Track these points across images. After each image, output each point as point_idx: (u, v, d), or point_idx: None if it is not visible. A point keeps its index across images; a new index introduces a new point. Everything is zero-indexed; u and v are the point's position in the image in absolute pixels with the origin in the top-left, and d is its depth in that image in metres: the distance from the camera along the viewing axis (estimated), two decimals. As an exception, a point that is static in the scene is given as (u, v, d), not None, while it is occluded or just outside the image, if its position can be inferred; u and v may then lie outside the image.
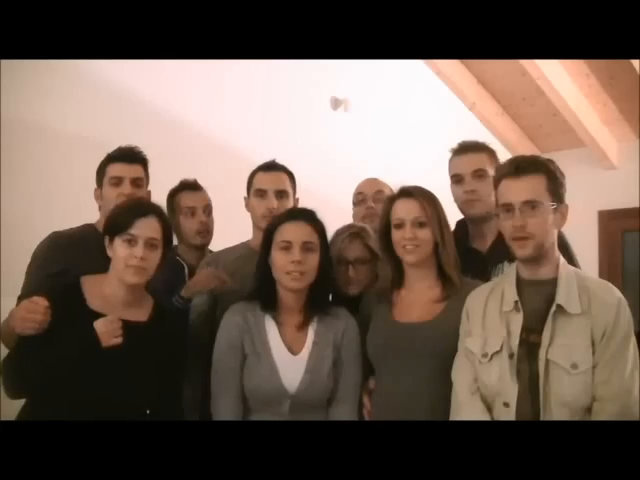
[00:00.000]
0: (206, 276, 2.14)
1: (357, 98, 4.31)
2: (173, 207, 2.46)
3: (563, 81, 3.95)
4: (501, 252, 2.17)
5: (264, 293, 1.95)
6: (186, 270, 2.36)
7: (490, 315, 1.75)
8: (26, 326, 1.72)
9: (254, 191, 2.33)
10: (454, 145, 2.32)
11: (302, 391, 1.86)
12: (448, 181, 2.32)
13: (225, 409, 1.87)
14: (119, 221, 1.81)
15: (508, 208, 1.71)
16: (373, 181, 2.69)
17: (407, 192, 1.96)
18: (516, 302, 1.71)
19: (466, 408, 1.73)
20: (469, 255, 2.11)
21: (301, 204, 2.41)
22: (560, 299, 1.65)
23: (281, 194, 2.30)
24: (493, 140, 4.58)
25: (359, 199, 2.65)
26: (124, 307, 1.82)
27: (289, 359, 1.89)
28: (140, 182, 2.26)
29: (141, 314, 1.85)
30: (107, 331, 1.71)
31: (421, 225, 1.91)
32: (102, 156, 2.26)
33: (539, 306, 1.68)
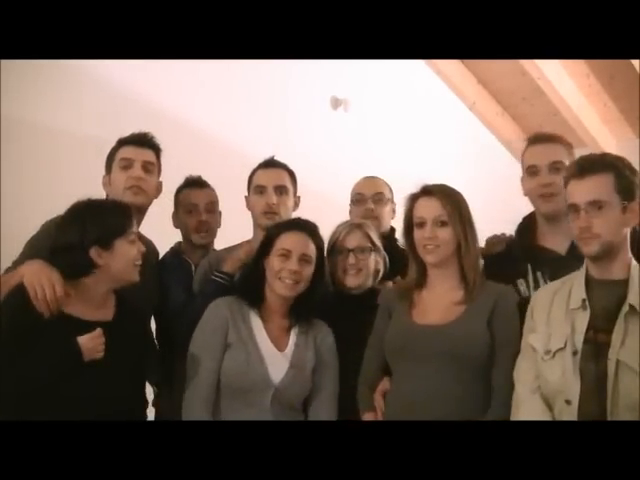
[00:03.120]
0: (246, 249, 2.18)
1: (357, 98, 4.31)
2: (177, 204, 2.43)
3: (563, 81, 3.95)
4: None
5: (252, 290, 1.98)
6: (193, 268, 2.34)
7: (555, 312, 1.72)
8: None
9: (254, 188, 2.31)
10: (530, 135, 2.19)
11: (286, 384, 1.89)
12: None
13: (199, 394, 1.87)
14: (122, 224, 1.82)
15: (575, 209, 1.68)
16: (372, 181, 2.61)
17: (428, 190, 1.91)
18: (584, 300, 1.67)
19: (525, 407, 1.70)
20: (539, 254, 2.02)
21: (301, 204, 2.41)
22: (632, 299, 1.61)
23: (280, 190, 2.28)
24: (493, 140, 4.60)
25: (357, 199, 2.56)
26: (96, 308, 1.83)
27: (274, 353, 1.93)
28: (151, 167, 2.18)
29: (108, 313, 1.86)
30: (92, 347, 1.72)
31: (442, 224, 1.87)
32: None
33: (608, 306, 1.64)
